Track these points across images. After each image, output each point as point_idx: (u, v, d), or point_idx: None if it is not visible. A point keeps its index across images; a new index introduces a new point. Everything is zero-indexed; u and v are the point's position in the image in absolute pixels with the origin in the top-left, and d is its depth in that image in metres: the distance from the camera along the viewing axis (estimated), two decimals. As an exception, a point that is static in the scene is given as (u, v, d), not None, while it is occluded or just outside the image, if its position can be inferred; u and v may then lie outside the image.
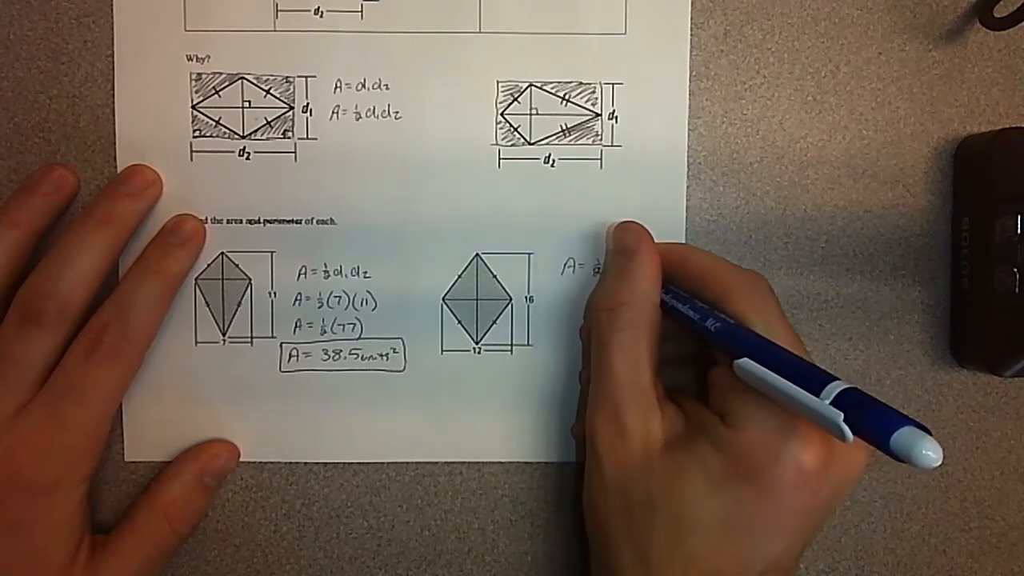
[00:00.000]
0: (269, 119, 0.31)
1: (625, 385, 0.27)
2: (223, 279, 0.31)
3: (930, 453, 0.20)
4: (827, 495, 0.25)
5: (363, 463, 0.32)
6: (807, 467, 0.24)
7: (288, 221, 0.31)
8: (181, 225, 0.30)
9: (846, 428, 0.21)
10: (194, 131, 0.31)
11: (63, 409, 0.27)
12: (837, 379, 0.23)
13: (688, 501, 0.25)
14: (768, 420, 0.25)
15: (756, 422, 0.25)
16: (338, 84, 0.31)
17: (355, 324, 0.31)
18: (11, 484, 0.27)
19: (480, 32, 0.31)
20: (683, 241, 0.31)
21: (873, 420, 0.21)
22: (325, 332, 0.31)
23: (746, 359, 0.24)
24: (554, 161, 0.31)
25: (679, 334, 0.29)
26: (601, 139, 0.31)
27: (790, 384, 0.23)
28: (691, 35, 0.31)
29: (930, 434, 0.20)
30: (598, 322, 0.29)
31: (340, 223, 0.31)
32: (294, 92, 0.31)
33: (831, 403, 0.22)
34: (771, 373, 0.24)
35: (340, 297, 0.31)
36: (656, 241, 0.30)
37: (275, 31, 0.31)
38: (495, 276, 0.32)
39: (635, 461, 0.27)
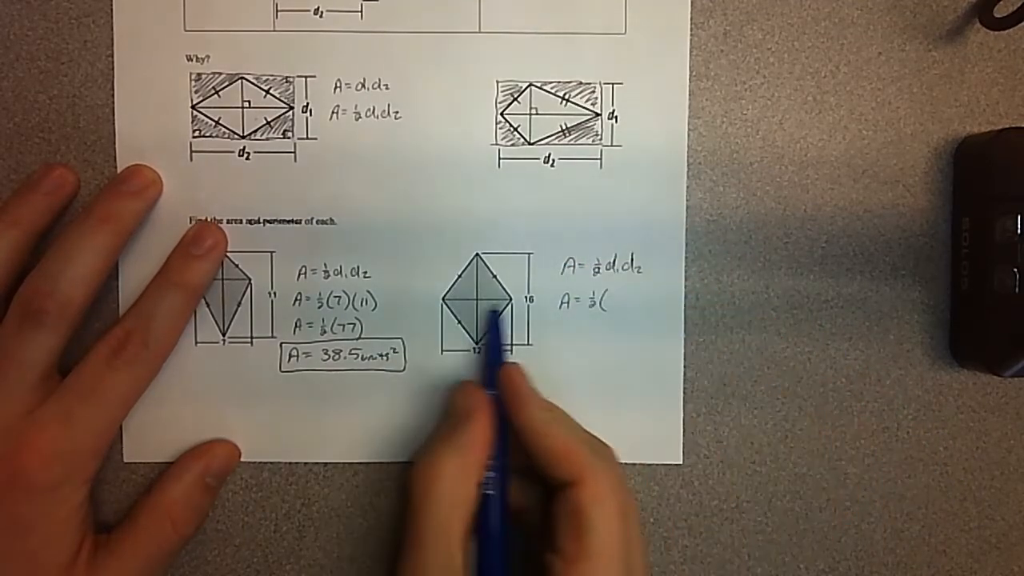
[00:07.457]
0: (269, 119, 0.31)
1: (435, 569, 0.26)
2: (223, 279, 0.31)
3: None
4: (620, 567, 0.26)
5: (363, 463, 0.32)
6: None
7: (288, 221, 0.31)
8: (202, 236, 0.30)
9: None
10: (194, 131, 0.31)
11: (78, 412, 0.27)
12: None
13: None
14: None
15: None
16: (338, 84, 0.31)
17: (355, 324, 0.31)
18: (14, 483, 0.27)
19: (480, 32, 0.31)
20: (683, 241, 0.31)
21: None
22: (325, 332, 0.31)
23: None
24: (554, 161, 0.31)
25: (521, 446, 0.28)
26: (601, 139, 0.31)
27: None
28: (691, 35, 0.31)
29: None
30: (415, 493, 0.27)
31: (340, 223, 0.31)
32: (294, 92, 0.31)
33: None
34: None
35: (340, 297, 0.31)
36: (524, 397, 0.29)
37: (275, 31, 0.31)
38: (495, 276, 0.31)
39: None
